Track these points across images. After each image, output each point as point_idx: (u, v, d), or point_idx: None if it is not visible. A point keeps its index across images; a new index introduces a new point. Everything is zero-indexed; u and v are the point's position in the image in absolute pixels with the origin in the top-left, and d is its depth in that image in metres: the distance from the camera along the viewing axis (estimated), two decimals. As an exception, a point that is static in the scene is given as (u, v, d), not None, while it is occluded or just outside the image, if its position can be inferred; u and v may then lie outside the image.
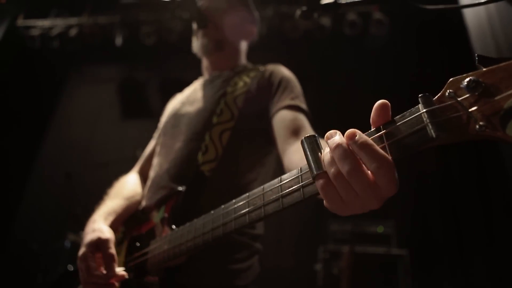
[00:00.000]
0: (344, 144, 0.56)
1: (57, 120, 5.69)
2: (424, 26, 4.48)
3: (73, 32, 5.16)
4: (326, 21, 4.48)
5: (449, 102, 0.51)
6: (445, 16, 4.19)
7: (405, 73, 4.28)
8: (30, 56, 5.42)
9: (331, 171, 0.57)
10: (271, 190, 0.73)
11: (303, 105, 1.28)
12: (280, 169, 1.15)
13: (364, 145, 0.54)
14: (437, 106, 0.51)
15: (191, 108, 1.47)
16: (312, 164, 0.60)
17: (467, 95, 0.49)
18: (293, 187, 0.68)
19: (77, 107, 5.69)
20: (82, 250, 1.13)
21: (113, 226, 1.26)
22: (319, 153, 0.61)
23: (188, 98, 1.56)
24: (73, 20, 5.24)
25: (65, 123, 5.59)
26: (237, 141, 1.32)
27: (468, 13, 3.15)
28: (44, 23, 5.28)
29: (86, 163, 4.74)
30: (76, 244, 3.47)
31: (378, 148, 0.54)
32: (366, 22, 4.45)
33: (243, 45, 1.68)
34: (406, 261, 3.39)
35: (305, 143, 0.63)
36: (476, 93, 0.48)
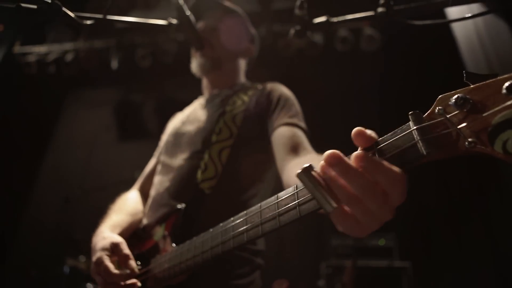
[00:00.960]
0: (353, 166, 0.55)
1: (55, 145, 5.69)
2: (415, 41, 4.57)
3: (69, 57, 5.21)
4: (318, 38, 4.57)
5: (439, 119, 0.52)
6: (435, 31, 4.28)
7: (397, 87, 4.34)
8: (27, 83, 5.45)
9: (345, 198, 0.56)
10: (268, 207, 0.74)
11: (302, 123, 1.30)
12: (280, 184, 1.16)
13: (378, 164, 0.54)
14: (427, 123, 0.53)
15: (191, 127, 1.49)
16: (321, 201, 0.57)
17: (456, 112, 0.51)
18: (289, 205, 0.69)
19: (75, 131, 5.71)
20: (96, 256, 1.12)
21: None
22: (321, 185, 0.58)
23: (188, 117, 1.58)
24: (69, 45, 5.30)
25: (63, 147, 5.59)
26: (236, 159, 1.33)
27: (456, 28, 3.23)
28: (41, 49, 5.34)
29: (85, 187, 4.72)
30: (75, 269, 3.43)
31: (387, 163, 0.54)
32: (357, 38, 4.53)
33: (242, 63, 1.71)
34: (410, 273, 3.36)
35: (304, 178, 0.59)
36: (465, 110, 0.50)
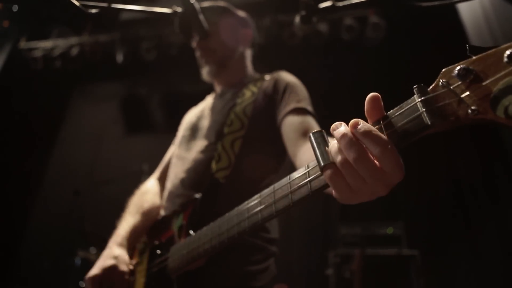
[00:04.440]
0: (349, 133, 0.58)
1: (63, 139, 5.74)
2: (421, 27, 4.52)
3: (74, 51, 5.24)
4: (323, 27, 4.52)
5: (443, 90, 0.54)
6: (442, 16, 4.22)
7: (404, 75, 4.30)
8: (33, 77, 5.49)
9: (338, 160, 0.59)
10: (281, 188, 0.76)
11: (309, 107, 1.33)
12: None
13: (367, 132, 0.56)
14: (431, 94, 0.54)
15: (205, 122, 1.55)
16: (319, 156, 0.62)
17: (459, 83, 0.52)
18: (301, 183, 0.71)
19: (82, 125, 5.75)
20: (94, 272, 1.21)
21: (134, 243, 1.40)
22: (326, 146, 0.63)
23: (202, 113, 1.64)
24: (74, 40, 5.32)
25: (71, 141, 5.64)
26: (249, 149, 1.37)
27: (463, 11, 3.18)
28: (46, 44, 5.37)
29: (93, 180, 4.77)
30: (86, 260, 3.48)
31: (380, 133, 0.56)
32: (363, 26, 4.48)
33: (246, 53, 1.72)
34: (418, 262, 3.36)
35: (312, 137, 0.65)
36: (468, 80, 0.51)
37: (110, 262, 1.24)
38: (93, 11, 0.91)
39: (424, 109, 0.53)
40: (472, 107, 0.50)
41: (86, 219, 4.04)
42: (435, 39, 4.50)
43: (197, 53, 1.65)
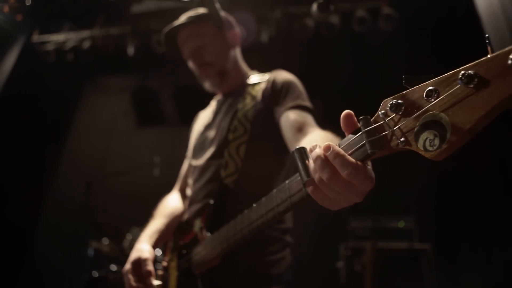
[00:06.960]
0: (322, 156, 0.65)
1: (75, 132, 5.81)
2: (434, 18, 4.44)
3: (86, 44, 5.26)
4: (335, 19, 4.46)
5: (381, 122, 0.62)
6: (457, 7, 4.14)
7: (416, 68, 4.24)
8: (45, 71, 5.54)
9: (316, 177, 0.68)
10: (270, 200, 0.89)
11: (305, 103, 1.40)
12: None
13: (336, 156, 0.64)
14: (372, 126, 0.63)
15: (211, 131, 1.65)
16: (302, 172, 0.71)
17: (393, 115, 0.59)
18: (284, 197, 0.83)
19: (93, 117, 5.81)
20: (126, 266, 1.37)
21: (159, 242, 1.54)
22: (307, 162, 0.72)
23: (208, 120, 1.73)
24: (85, 33, 5.34)
25: (83, 134, 5.71)
26: (253, 152, 1.47)
27: (480, 2, 3.11)
28: (58, 37, 5.41)
29: (105, 172, 4.81)
30: (98, 251, 3.53)
31: (348, 157, 0.64)
32: (375, 18, 4.41)
33: (237, 54, 1.73)
34: (429, 255, 3.34)
35: (295, 154, 0.74)
36: (400, 113, 0.58)
37: (134, 255, 1.39)
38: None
39: (366, 140, 0.62)
40: (401, 139, 0.57)
41: (98, 210, 4.09)
42: (450, 31, 4.42)
43: (194, 69, 1.69)
